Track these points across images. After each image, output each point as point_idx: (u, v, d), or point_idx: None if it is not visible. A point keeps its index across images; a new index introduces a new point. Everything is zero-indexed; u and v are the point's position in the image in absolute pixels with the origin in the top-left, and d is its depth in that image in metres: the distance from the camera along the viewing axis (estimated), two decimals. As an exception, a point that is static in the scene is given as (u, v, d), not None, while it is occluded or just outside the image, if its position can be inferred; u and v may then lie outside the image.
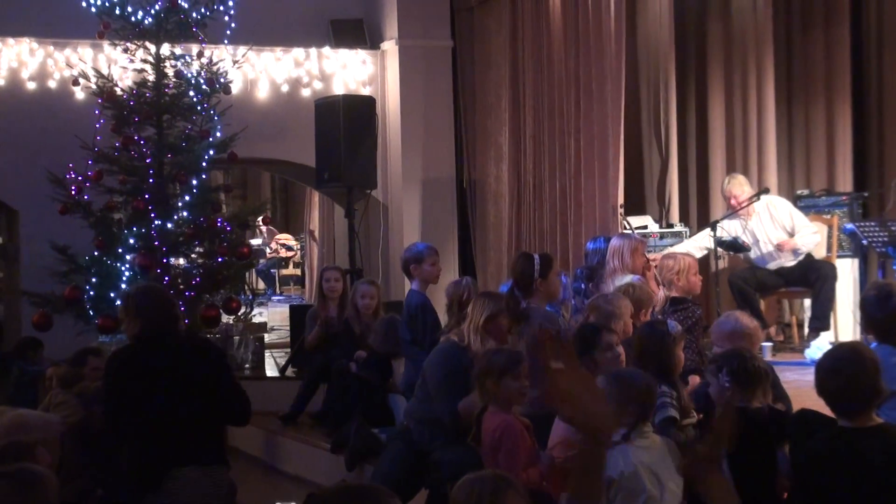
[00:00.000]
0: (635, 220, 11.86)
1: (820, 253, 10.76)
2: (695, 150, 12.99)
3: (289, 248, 20.26)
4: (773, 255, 10.57)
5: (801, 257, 10.51)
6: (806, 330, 10.73)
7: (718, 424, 3.01)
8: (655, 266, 9.29)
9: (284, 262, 20.09)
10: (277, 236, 20.21)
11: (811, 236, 10.50)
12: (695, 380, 7.05)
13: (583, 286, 9.27)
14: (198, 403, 6.12)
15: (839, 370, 4.96)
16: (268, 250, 19.88)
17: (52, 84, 13.04)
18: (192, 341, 7.38)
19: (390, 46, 13.98)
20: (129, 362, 6.30)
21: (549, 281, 8.26)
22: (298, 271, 19.39)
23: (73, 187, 11.38)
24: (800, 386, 6.69)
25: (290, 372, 11.17)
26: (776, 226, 10.55)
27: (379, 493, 3.11)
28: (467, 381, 6.68)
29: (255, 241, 17.70)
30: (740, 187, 10.64)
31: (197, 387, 6.15)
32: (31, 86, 12.99)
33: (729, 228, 10.57)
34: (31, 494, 4.38)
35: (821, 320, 10.28)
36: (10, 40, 12.80)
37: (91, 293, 11.32)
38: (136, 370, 6.16)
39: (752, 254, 10.63)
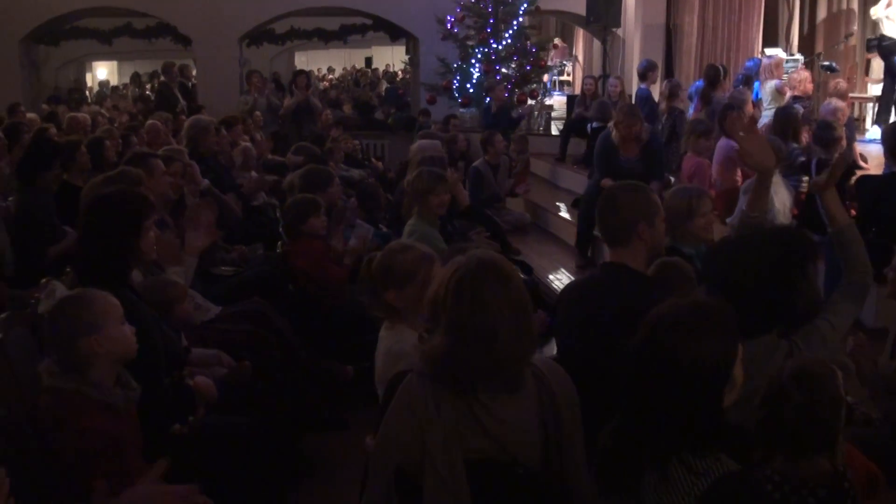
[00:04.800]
0: (771, 51, 11.16)
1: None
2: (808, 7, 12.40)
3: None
4: None
5: None
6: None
7: (835, 163, 3.00)
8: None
9: (561, 71, 19.58)
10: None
11: None
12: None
13: (740, 86, 8.86)
14: None
15: (893, 131, 4.94)
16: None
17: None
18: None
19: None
20: None
21: (723, 83, 8.09)
22: (570, 77, 18.92)
23: (448, 24, 11.65)
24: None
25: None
26: None
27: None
28: (609, 154, 6.16)
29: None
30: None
31: None
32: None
33: None
34: (444, 185, 4.55)
35: None
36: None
37: (456, 84, 11.73)
38: None
39: None
